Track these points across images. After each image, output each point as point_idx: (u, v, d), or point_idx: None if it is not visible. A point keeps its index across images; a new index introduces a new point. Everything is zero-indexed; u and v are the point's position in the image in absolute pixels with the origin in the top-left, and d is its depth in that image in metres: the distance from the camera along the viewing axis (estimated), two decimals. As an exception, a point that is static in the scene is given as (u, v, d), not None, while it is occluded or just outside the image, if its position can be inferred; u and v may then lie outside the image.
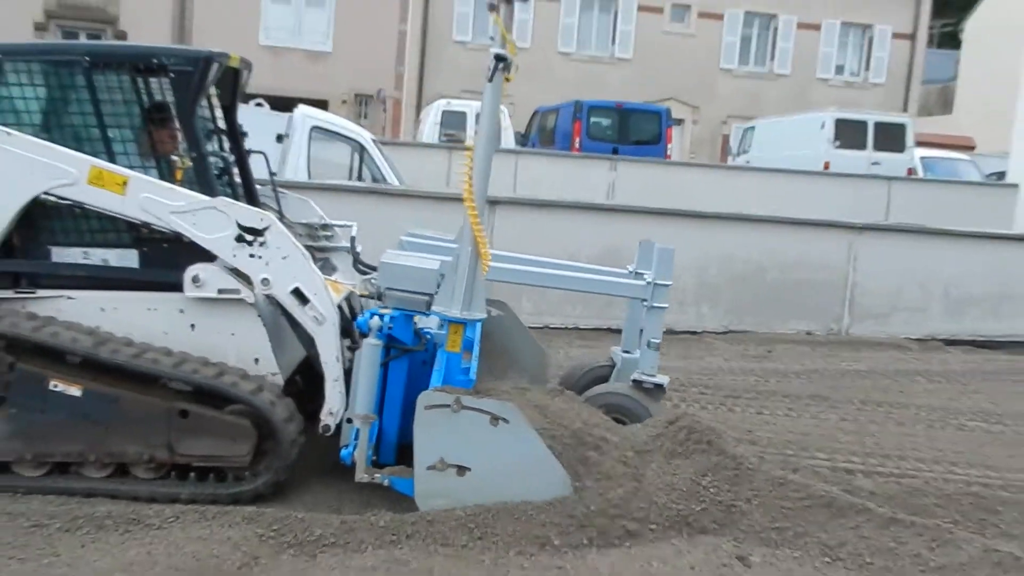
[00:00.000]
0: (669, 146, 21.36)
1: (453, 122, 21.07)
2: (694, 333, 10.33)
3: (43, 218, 5.11)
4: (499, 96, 4.79)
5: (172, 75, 5.14)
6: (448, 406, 4.49)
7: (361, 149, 11.64)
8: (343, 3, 30.39)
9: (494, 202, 10.28)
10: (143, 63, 5.20)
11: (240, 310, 5.02)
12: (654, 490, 4.66)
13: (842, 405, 7.93)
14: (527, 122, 23.93)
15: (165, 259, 5.11)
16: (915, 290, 11.37)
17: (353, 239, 6.22)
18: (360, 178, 11.72)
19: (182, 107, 5.18)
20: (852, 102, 31.07)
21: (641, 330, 5.88)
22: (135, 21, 29.00)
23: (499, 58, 4.66)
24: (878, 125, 21.39)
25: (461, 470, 4.54)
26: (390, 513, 4.68)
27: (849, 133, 21.10)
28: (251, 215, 5.00)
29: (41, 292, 5.07)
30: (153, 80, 5.39)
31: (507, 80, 4.73)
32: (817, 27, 33.56)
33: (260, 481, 4.98)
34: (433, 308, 4.95)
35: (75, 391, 4.85)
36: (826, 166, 20.31)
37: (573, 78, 30.30)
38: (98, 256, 5.13)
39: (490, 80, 4.72)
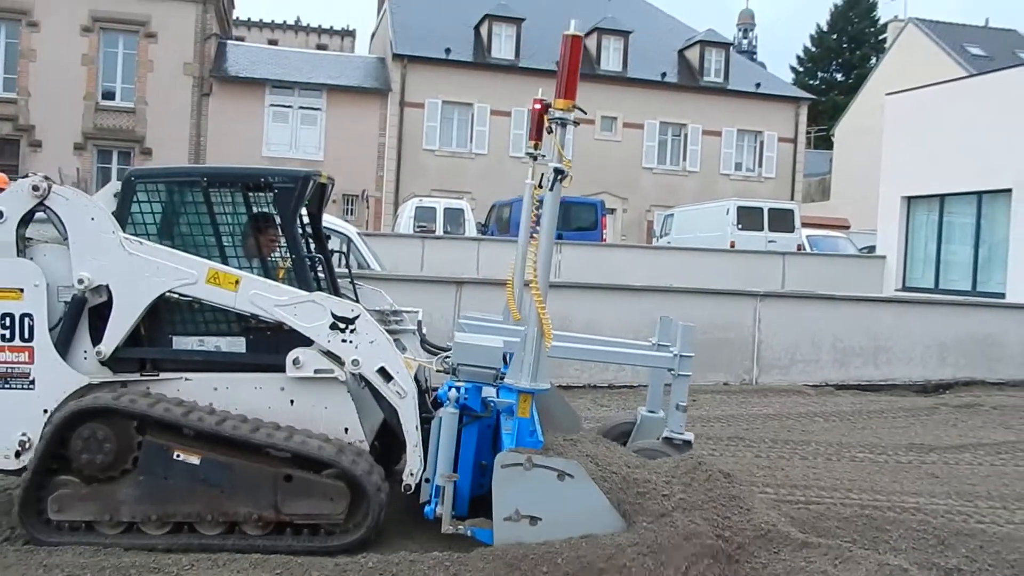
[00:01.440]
0: (604, 231, 21.51)
1: (425, 216, 21.17)
2: (632, 387, 10.16)
3: (165, 312, 5.09)
4: (558, 201, 4.75)
5: (276, 191, 5.13)
6: (521, 464, 4.45)
7: (348, 241, 11.46)
8: (332, 121, 30.76)
9: (460, 282, 10.25)
10: (252, 182, 5.18)
11: (332, 387, 4.95)
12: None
13: (756, 444, 7.86)
14: (486, 214, 23.99)
15: (268, 345, 5.07)
16: (809, 345, 11.43)
17: (420, 323, 6.12)
18: (347, 266, 11.40)
19: (284, 217, 5.15)
20: (750, 192, 31.93)
21: (667, 394, 5.78)
22: (159, 140, 29.04)
23: (557, 171, 4.66)
24: (772, 211, 21.81)
25: (533, 520, 4.46)
26: (377, 555, 4.58)
27: (749, 218, 21.42)
28: (343, 306, 4.97)
29: (164, 375, 5.03)
30: (260, 195, 5.25)
31: (564, 187, 4.71)
32: (719, 133, 34.43)
33: (352, 537, 4.82)
34: (505, 380, 4.83)
35: (195, 460, 4.75)
36: (732, 245, 20.57)
37: (523, 177, 30.51)
38: (211, 343, 5.10)
39: (551, 189, 4.69)
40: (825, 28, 58.79)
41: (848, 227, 29.45)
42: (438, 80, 31.53)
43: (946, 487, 6.72)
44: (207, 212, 5.13)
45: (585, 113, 4.89)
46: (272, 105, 30.50)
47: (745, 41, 62.59)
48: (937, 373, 11.67)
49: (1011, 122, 15.49)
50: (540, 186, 5.88)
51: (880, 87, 36.17)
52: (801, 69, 58.58)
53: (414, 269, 15.49)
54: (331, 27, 59.33)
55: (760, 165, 35.13)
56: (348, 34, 59.07)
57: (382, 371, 4.94)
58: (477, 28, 33.60)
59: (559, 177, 4.66)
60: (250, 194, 5.20)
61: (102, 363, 5.00)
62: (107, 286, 4.96)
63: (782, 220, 21.47)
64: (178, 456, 4.76)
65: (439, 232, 20.29)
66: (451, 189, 30.07)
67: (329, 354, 4.95)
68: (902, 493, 6.47)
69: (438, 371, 5.35)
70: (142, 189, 5.15)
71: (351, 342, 4.91)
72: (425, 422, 5.00)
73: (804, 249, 21.51)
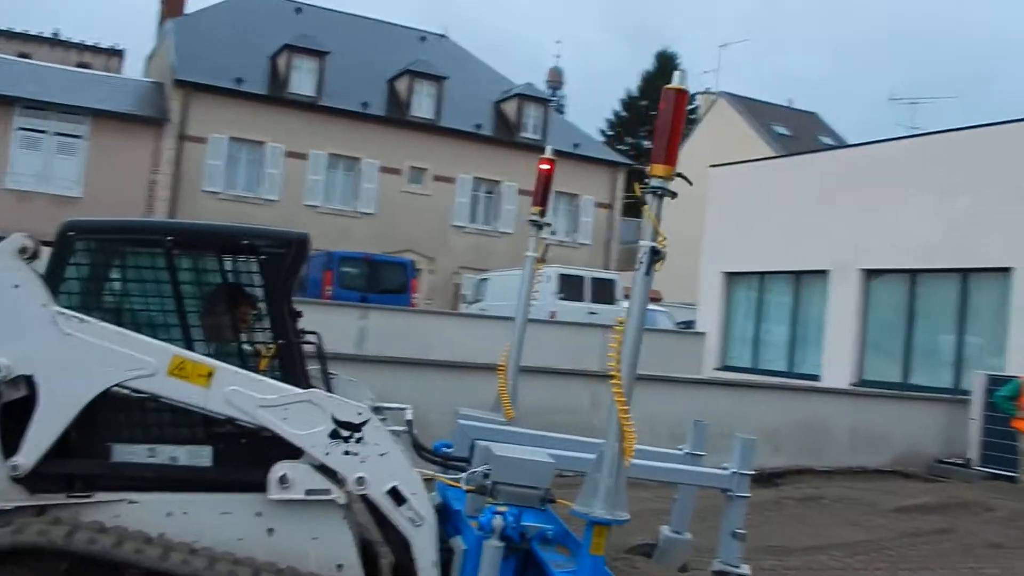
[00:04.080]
0: (414, 295, 21.45)
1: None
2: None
3: (105, 411, 4.26)
4: (649, 286, 4.27)
5: (264, 257, 4.43)
6: None
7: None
8: (95, 152, 28.80)
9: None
10: (231, 244, 4.49)
11: (325, 512, 4.28)
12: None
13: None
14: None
15: (242, 456, 4.35)
16: (647, 431, 11.11)
17: (410, 423, 5.31)
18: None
19: (272, 291, 4.44)
20: (565, 259, 32.59)
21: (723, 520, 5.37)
22: None
23: (654, 252, 4.16)
24: (594, 280, 22.36)
25: None
26: None
27: (570, 287, 21.90)
28: (347, 409, 4.29)
29: (99, 495, 4.20)
30: (241, 261, 4.52)
31: (656, 270, 4.23)
32: (530, 194, 35.50)
33: None
34: (575, 507, 4.24)
35: None
36: (552, 315, 20.86)
37: (321, 229, 30.15)
38: (165, 453, 4.32)
39: (646, 273, 4.18)
40: (636, 93, 62.94)
41: (660, 299, 30.61)
42: (225, 113, 30.39)
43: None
44: (169, 281, 4.38)
45: (691, 184, 4.38)
46: (21, 128, 28.20)
47: (554, 100, 65.73)
48: (771, 461, 11.90)
49: (827, 204, 17.02)
50: (542, 260, 5.65)
51: (691, 158, 38.79)
52: (611, 133, 61.94)
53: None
54: (96, 44, 56.32)
55: (576, 230, 36.35)
56: (115, 53, 56.12)
57: (394, 492, 4.29)
58: (274, 59, 32.97)
59: (656, 259, 4.17)
60: (227, 260, 4.53)
61: (15, 480, 4.16)
62: (30, 377, 4.16)
63: (604, 290, 21.82)
64: None
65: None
66: (235, 238, 29.09)
67: (324, 469, 4.30)
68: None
69: (468, 490, 4.67)
70: (83, 248, 4.37)
71: (356, 455, 4.26)
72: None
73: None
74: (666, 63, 60.74)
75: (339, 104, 31.77)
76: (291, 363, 4.45)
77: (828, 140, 40.95)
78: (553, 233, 35.90)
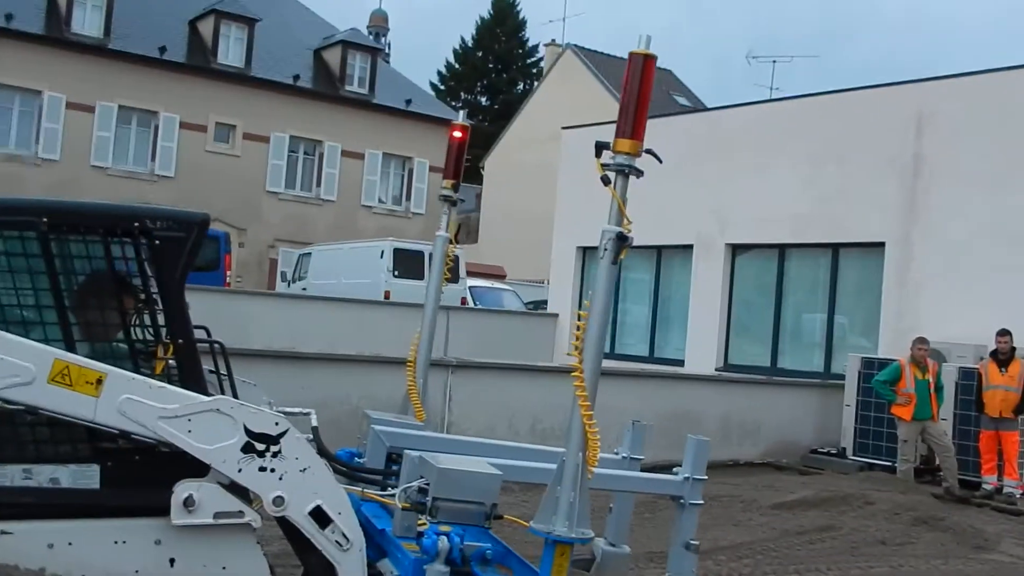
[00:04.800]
0: (229, 273, 20.45)
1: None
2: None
3: None
4: (615, 275, 4.23)
5: (159, 242, 4.22)
6: None
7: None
8: None
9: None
10: (120, 226, 4.23)
11: (236, 537, 4.17)
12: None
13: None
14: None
15: (136, 475, 4.15)
16: (506, 427, 11.27)
17: (315, 430, 4.96)
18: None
19: (167, 282, 4.23)
20: (396, 231, 31.94)
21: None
22: None
23: (620, 237, 4.10)
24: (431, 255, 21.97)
25: None
26: None
27: (408, 263, 21.37)
28: (262, 419, 4.13)
29: None
30: (131, 246, 4.25)
31: (623, 257, 4.18)
32: (361, 156, 34.48)
33: None
34: (534, 525, 4.23)
35: None
36: (387, 296, 20.43)
37: (110, 194, 27.98)
38: (44, 474, 4.08)
39: (612, 262, 4.13)
40: (470, 43, 60.96)
41: (504, 276, 30.57)
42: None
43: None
44: (46, 271, 4.14)
45: (661, 162, 4.34)
46: None
47: (382, 48, 64.11)
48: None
49: (690, 171, 16.58)
50: (456, 240, 5.64)
51: (534, 118, 38.63)
52: (443, 87, 59.92)
53: None
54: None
55: (408, 198, 35.82)
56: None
57: (317, 512, 4.18)
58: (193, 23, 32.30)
59: (623, 245, 4.13)
60: (114, 245, 4.26)
61: None
62: None
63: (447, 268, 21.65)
64: None
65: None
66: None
67: (235, 488, 4.16)
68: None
69: (403, 508, 4.46)
70: None
71: (274, 471, 4.12)
72: None
73: (469, 303, 21.40)
74: (504, 10, 59.23)
75: (132, 48, 30.10)
76: (192, 366, 4.29)
77: (683, 100, 41.07)
78: (381, 202, 35.59)
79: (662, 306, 18.00)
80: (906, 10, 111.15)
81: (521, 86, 59.99)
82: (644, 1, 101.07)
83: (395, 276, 21.05)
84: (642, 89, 4.09)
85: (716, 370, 16.36)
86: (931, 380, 12.12)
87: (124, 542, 4.07)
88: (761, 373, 15.82)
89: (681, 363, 16.94)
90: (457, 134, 6.28)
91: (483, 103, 61.12)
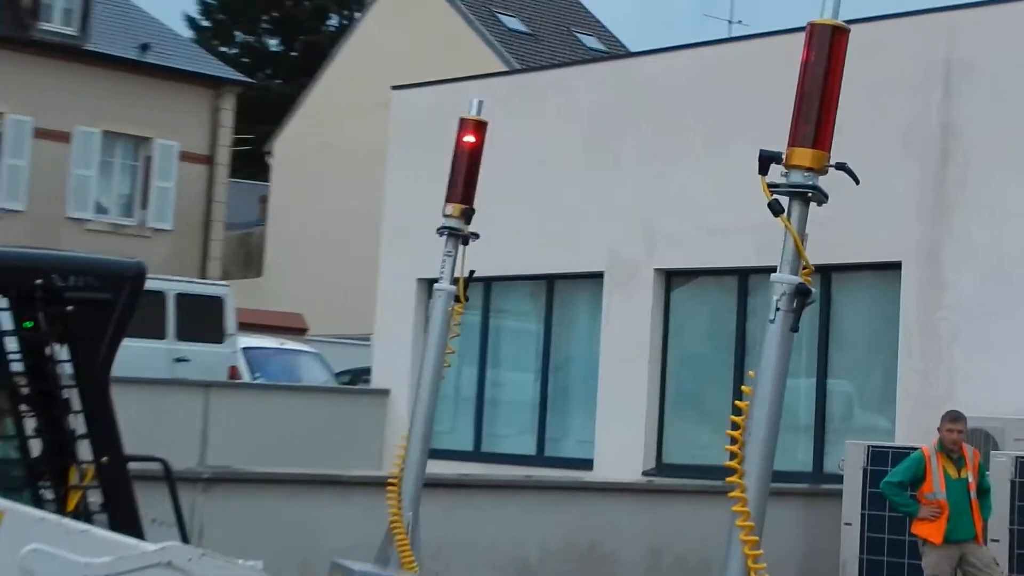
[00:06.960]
0: None
1: None
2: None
3: None
4: (790, 348, 4.61)
5: (78, 303, 4.44)
6: None
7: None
8: None
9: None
10: (16, 285, 4.38)
11: None
12: None
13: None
14: None
15: None
16: None
17: None
18: None
19: (86, 366, 4.40)
20: (123, 252, 29.16)
21: None
22: None
23: (801, 293, 4.25)
24: (182, 299, 20.56)
25: None
26: None
27: (140, 312, 18.98)
28: (233, 574, 4.25)
29: None
30: (43, 311, 4.46)
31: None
32: (64, 136, 31.32)
33: None
34: None
35: None
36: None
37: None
38: None
39: (792, 328, 4.46)
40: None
41: (304, 330, 27.79)
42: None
43: None
44: None
45: (858, 182, 4.70)
46: None
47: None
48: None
49: (600, 159, 16.41)
50: (464, 296, 6.89)
51: (353, 71, 33.97)
52: (206, 24, 51.45)
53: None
54: None
55: (144, 205, 31.95)
56: None
57: None
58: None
59: (804, 303, 4.43)
60: (24, 309, 4.47)
61: None
62: None
63: (203, 317, 20.17)
64: None
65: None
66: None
67: None
68: None
69: None
70: None
71: None
72: None
73: (242, 375, 20.27)
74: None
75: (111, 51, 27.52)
76: (124, 496, 4.49)
77: (591, 40, 37.35)
78: (101, 211, 32.71)
79: (556, 373, 16.85)
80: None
81: (335, 20, 51.59)
82: None
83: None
84: (829, 77, 4.33)
85: (643, 474, 15.49)
86: (971, 479, 11.25)
87: None
88: (714, 477, 13.91)
89: (589, 465, 16.02)
90: (469, 139, 6.51)
91: (271, 48, 53.05)
